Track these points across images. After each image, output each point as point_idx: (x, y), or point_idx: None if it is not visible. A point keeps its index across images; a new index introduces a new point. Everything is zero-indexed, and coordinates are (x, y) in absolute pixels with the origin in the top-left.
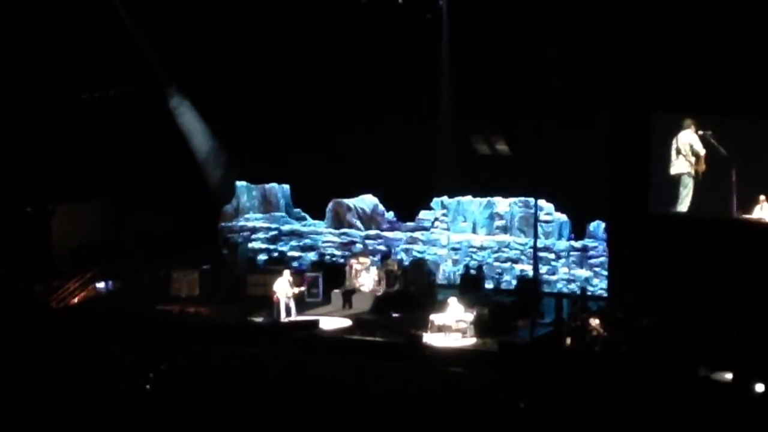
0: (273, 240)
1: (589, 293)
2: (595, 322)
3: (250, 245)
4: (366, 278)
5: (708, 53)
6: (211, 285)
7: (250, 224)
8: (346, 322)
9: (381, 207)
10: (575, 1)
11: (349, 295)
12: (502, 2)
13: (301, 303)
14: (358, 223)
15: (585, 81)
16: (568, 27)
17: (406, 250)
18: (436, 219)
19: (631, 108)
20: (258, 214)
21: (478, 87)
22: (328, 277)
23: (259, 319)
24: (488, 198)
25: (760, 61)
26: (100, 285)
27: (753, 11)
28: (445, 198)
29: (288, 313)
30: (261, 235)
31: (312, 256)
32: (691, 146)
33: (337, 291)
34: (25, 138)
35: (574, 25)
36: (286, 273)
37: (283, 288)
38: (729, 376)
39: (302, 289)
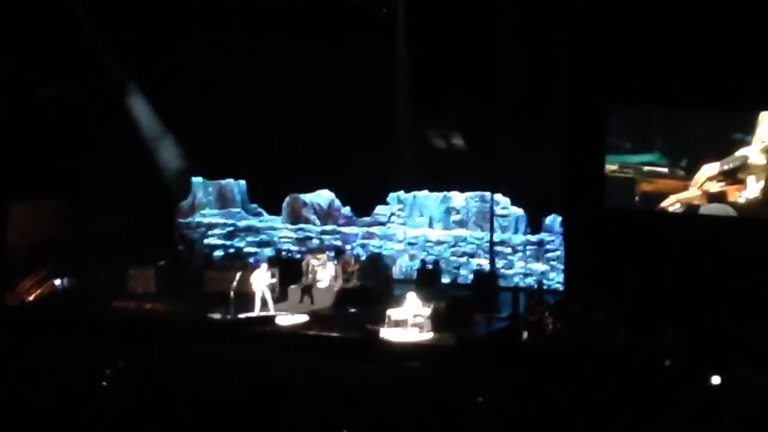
0: (229, 236)
1: (545, 287)
2: (551, 316)
3: (206, 241)
4: (323, 274)
5: (664, 47)
6: (167, 281)
7: (206, 220)
8: (303, 318)
9: (337, 202)
10: None
11: (305, 290)
12: None
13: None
14: (315, 219)
15: (540, 74)
16: (523, 20)
17: (363, 245)
18: (393, 214)
19: (588, 101)
20: (214, 210)
21: (433, 81)
22: (284, 273)
23: (216, 316)
24: (444, 192)
25: (717, 55)
26: (57, 282)
27: (709, 5)
28: (401, 193)
29: (264, 304)
30: (217, 231)
31: (268, 251)
32: None
33: (293, 286)
34: None
35: (530, 18)
36: (264, 266)
37: (261, 280)
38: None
39: (274, 280)
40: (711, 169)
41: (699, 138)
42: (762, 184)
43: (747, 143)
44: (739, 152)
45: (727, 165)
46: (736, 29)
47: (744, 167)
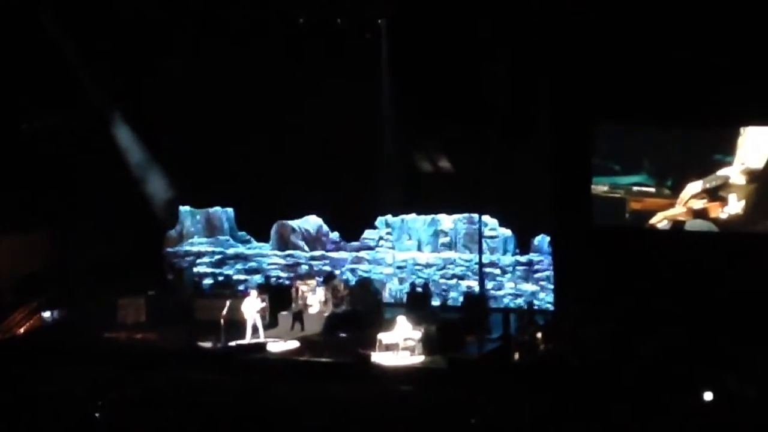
0: (218, 264)
1: (535, 307)
2: (542, 335)
3: (195, 270)
4: (312, 299)
5: (646, 65)
6: (157, 311)
7: (194, 249)
8: (294, 344)
9: (325, 228)
10: (514, 16)
11: (295, 317)
12: (443, 20)
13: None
14: (303, 245)
15: (526, 95)
16: (508, 42)
17: (352, 270)
18: (381, 238)
19: (572, 121)
20: (202, 238)
21: (419, 105)
22: (274, 300)
23: (207, 344)
24: (432, 215)
25: (700, 73)
26: (46, 314)
27: (691, 24)
28: (389, 217)
29: (255, 331)
30: (206, 259)
31: (257, 278)
32: None
33: (284, 313)
34: None
35: (515, 40)
36: (254, 293)
37: (252, 307)
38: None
39: (264, 305)
40: (695, 187)
41: (683, 159)
42: (743, 201)
43: (728, 163)
44: (721, 172)
45: (710, 183)
46: (717, 47)
47: (725, 186)
